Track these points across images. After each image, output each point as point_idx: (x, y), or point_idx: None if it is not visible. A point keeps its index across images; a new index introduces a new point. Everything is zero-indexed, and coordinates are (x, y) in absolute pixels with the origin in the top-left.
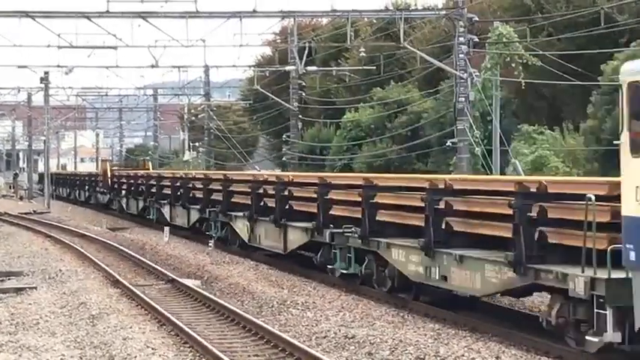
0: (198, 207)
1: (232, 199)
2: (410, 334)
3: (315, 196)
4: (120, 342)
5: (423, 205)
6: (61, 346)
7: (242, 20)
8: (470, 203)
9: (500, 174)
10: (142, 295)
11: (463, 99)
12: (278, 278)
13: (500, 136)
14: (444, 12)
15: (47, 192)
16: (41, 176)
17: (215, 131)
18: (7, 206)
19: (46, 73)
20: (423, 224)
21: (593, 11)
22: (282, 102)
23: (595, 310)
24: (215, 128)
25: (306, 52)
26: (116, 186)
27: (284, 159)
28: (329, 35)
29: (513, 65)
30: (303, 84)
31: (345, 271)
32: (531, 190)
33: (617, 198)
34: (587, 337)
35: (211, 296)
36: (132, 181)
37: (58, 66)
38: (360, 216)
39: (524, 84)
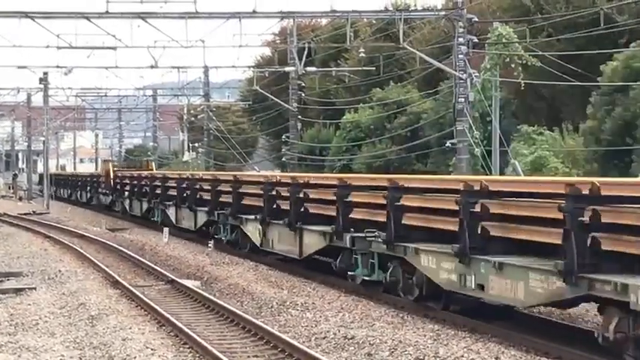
0: (206, 209)
1: (242, 202)
2: (409, 335)
3: (333, 198)
4: (119, 342)
5: (456, 208)
6: (60, 347)
7: (241, 21)
8: (509, 206)
9: (500, 175)
10: (142, 296)
11: (463, 99)
12: (277, 279)
13: (500, 137)
14: (443, 13)
15: (46, 193)
16: (41, 177)
17: (214, 132)
18: (7, 207)
19: (46, 73)
20: (455, 229)
21: (592, 12)
22: (282, 102)
23: None
24: (214, 129)
25: (306, 52)
26: (119, 187)
27: (283, 159)
28: (328, 36)
29: (513, 66)
30: (303, 84)
31: (367, 278)
32: (583, 192)
33: None
34: None
35: (211, 297)
36: (135, 182)
37: (58, 66)
38: (383, 219)
39: (523, 84)
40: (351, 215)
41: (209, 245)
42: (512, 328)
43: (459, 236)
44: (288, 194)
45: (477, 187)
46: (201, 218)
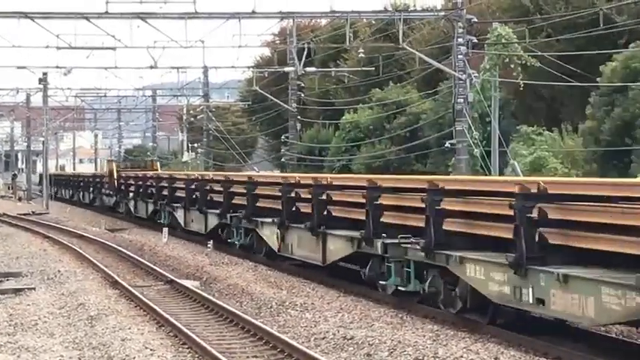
0: (217, 212)
1: (258, 204)
2: (409, 335)
3: (362, 200)
4: (118, 343)
5: (508, 213)
6: (59, 347)
7: (241, 21)
8: (572, 211)
9: (499, 175)
10: (141, 296)
11: (462, 100)
12: (277, 279)
13: (499, 137)
14: (442, 13)
15: (46, 193)
16: (42, 177)
17: (214, 132)
18: (6, 207)
19: (45, 73)
20: (505, 235)
21: (592, 12)
22: (281, 103)
23: None
24: (214, 129)
25: (305, 53)
26: (123, 188)
27: (283, 160)
28: (328, 36)
29: (512, 66)
30: (302, 85)
31: (403, 289)
32: None
33: None
34: None
35: (210, 297)
36: (140, 182)
37: (57, 67)
38: (419, 224)
39: (522, 85)
40: (382, 219)
41: (208, 245)
42: (511, 328)
43: (514, 245)
44: (309, 196)
45: (533, 190)
46: (212, 221)
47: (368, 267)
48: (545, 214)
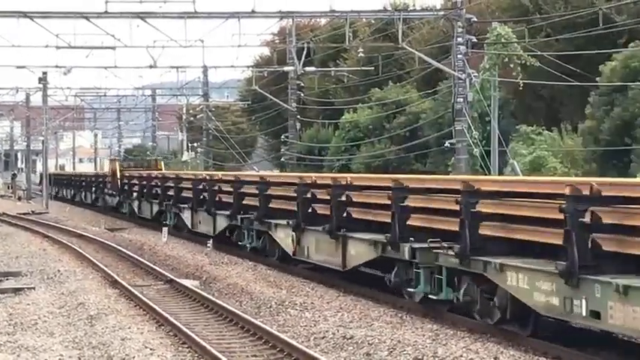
0: (227, 213)
1: (271, 205)
2: (408, 335)
3: (387, 202)
4: (118, 342)
5: (557, 217)
6: (59, 347)
7: (240, 21)
8: (628, 215)
9: (499, 175)
10: (141, 296)
11: (461, 99)
12: (276, 279)
13: (499, 137)
14: (442, 12)
15: (45, 192)
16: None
17: (213, 131)
18: (6, 207)
19: (45, 73)
20: (554, 241)
21: (591, 12)
22: (281, 102)
23: None
24: (213, 128)
25: (305, 52)
26: (126, 187)
27: (282, 159)
28: (327, 36)
29: (512, 66)
30: (302, 84)
31: (434, 297)
32: None
33: None
34: None
35: (210, 297)
36: (145, 182)
37: (57, 66)
38: (451, 228)
39: (522, 84)
40: (408, 222)
41: (208, 245)
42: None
43: (563, 251)
44: (327, 197)
45: (586, 192)
46: (222, 223)
47: (393, 273)
48: (599, 218)
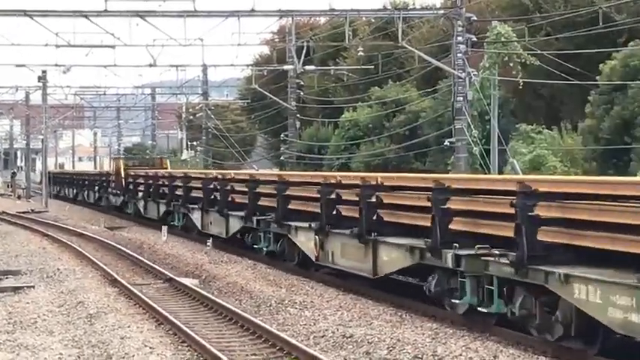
0: (241, 214)
1: (290, 206)
2: (408, 334)
3: (425, 204)
4: (118, 341)
5: (635, 222)
6: (58, 345)
7: (240, 19)
8: None
9: (498, 174)
10: (140, 294)
11: (461, 98)
12: (276, 277)
13: (499, 136)
14: (442, 11)
15: (45, 191)
16: (49, 176)
17: (213, 130)
18: (5, 205)
19: (44, 71)
20: (627, 249)
21: (591, 10)
22: (280, 101)
23: None
24: (213, 127)
25: (305, 51)
26: (131, 187)
27: (282, 158)
28: (327, 34)
29: (511, 65)
30: (301, 83)
31: (484, 310)
32: None
33: None
34: None
35: (209, 295)
36: (151, 181)
37: (56, 65)
38: (503, 233)
39: (522, 83)
40: (451, 226)
41: (207, 244)
42: (510, 327)
43: None
44: (355, 198)
45: None
46: (235, 224)
47: (434, 282)
48: None
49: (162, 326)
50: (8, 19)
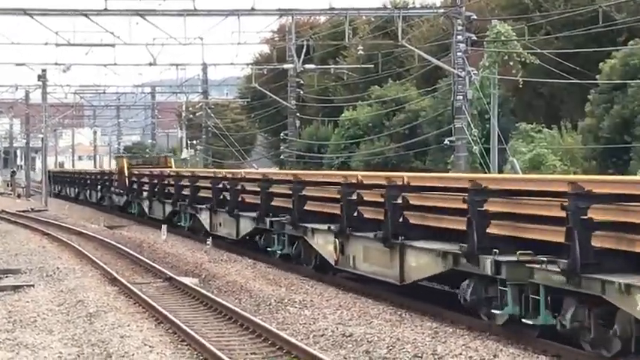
0: (252, 215)
1: (306, 207)
2: (407, 333)
3: (461, 206)
4: (117, 340)
5: None
6: (58, 344)
7: (240, 18)
8: None
9: (498, 173)
10: (140, 293)
11: (461, 97)
12: (276, 276)
13: (498, 135)
14: (442, 10)
15: (45, 190)
16: (47, 174)
17: (213, 129)
18: (5, 204)
19: (44, 70)
20: None
21: (591, 10)
22: (280, 100)
23: None
24: (213, 126)
25: (304, 50)
26: (135, 186)
27: (282, 157)
28: (327, 33)
29: (511, 63)
30: (301, 82)
31: (530, 322)
32: None
33: None
34: None
35: (209, 294)
36: (156, 180)
37: (56, 64)
38: (546, 238)
39: (522, 82)
40: (488, 230)
41: (207, 243)
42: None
43: None
44: (379, 199)
45: None
46: (246, 226)
47: (470, 290)
48: None
49: (162, 325)
50: (8, 18)
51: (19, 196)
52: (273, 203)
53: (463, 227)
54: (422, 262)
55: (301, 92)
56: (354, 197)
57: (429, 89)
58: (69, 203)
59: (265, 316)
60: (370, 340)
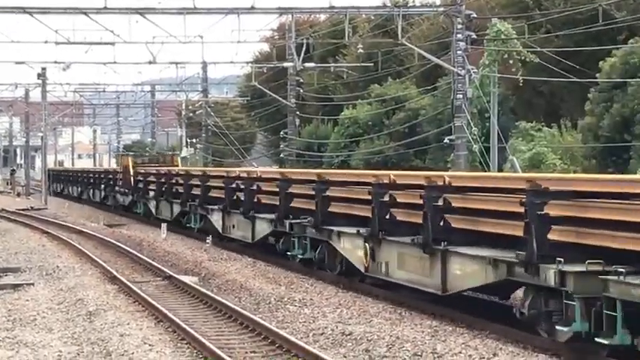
0: (270, 217)
1: (331, 209)
2: (407, 331)
3: (516, 209)
4: (117, 338)
5: None
6: (58, 343)
7: (240, 16)
8: None
9: (498, 171)
10: (140, 292)
11: (461, 96)
12: (275, 275)
13: (498, 133)
14: (442, 9)
15: (44, 188)
16: (48, 173)
17: (213, 128)
18: (5, 202)
19: (44, 69)
20: None
21: (591, 8)
22: (280, 98)
23: None
24: (213, 125)
25: (304, 48)
26: (141, 185)
27: (282, 156)
28: (327, 32)
29: (511, 62)
30: (301, 80)
31: (605, 341)
32: None
33: None
34: None
35: (209, 293)
36: (163, 179)
37: (56, 62)
38: (620, 246)
39: (522, 81)
40: (549, 236)
41: (207, 241)
42: (510, 324)
43: None
44: (415, 200)
45: None
46: (263, 228)
47: (527, 302)
48: None
49: (162, 324)
50: (8, 16)
51: (18, 194)
52: (292, 204)
53: (517, 232)
54: (468, 271)
55: (301, 91)
56: (387, 198)
57: (429, 88)
58: (68, 202)
59: (265, 314)
60: (370, 338)
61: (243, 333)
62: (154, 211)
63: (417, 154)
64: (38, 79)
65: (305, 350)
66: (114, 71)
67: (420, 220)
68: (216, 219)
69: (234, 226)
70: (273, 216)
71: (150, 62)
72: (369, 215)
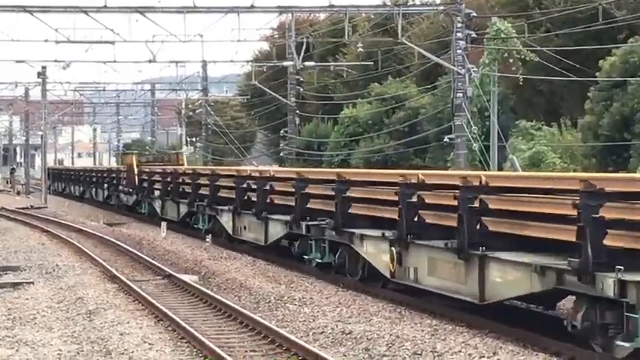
0: (285, 218)
1: (352, 210)
2: (407, 330)
3: (566, 212)
4: (117, 337)
5: None
6: (58, 341)
7: (240, 15)
8: None
9: (498, 170)
10: (139, 291)
11: (461, 95)
12: (275, 274)
13: (498, 132)
14: (441, 7)
15: (44, 187)
16: (49, 172)
17: (212, 126)
18: (5, 201)
19: (44, 67)
20: None
21: (591, 7)
22: (280, 97)
23: None
24: (212, 123)
25: (304, 47)
26: (146, 185)
27: (281, 154)
28: (327, 30)
29: (511, 61)
30: (301, 79)
31: None
32: None
33: None
34: None
35: (208, 291)
36: (169, 178)
37: (56, 61)
38: None
39: (522, 80)
40: (605, 242)
41: (207, 240)
42: (509, 323)
43: None
44: (447, 202)
45: None
46: (277, 230)
47: (581, 314)
48: None
49: (162, 322)
50: (8, 15)
51: (18, 193)
52: (309, 205)
53: (567, 237)
54: (510, 279)
55: (301, 89)
56: (415, 199)
57: (429, 87)
58: (68, 200)
59: (265, 313)
60: (370, 337)
61: (243, 332)
62: (159, 211)
63: (416, 152)
64: (38, 77)
65: (305, 349)
66: (114, 70)
67: (451, 223)
68: (225, 220)
69: (245, 228)
70: (287, 217)
71: (150, 61)
72: (394, 217)
